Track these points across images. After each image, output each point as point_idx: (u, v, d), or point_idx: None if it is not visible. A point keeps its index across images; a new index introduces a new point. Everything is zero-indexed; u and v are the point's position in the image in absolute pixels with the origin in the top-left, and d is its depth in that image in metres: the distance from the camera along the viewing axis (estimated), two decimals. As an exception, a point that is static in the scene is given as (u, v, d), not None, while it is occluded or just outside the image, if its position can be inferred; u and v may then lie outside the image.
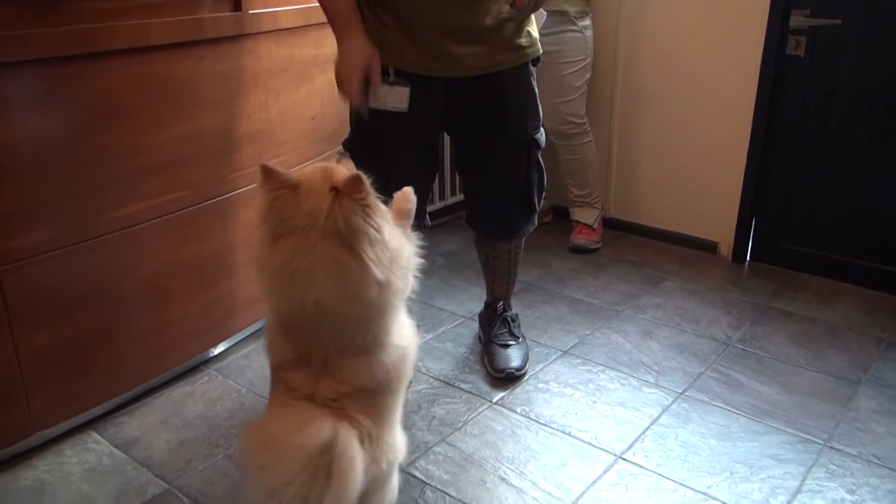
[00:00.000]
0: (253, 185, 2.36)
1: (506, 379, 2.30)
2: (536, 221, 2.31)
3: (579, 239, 3.31)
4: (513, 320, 2.45)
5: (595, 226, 3.35)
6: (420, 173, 2.18)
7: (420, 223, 2.30)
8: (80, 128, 1.86)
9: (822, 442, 2.03)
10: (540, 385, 2.30)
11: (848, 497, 1.83)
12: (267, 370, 2.33)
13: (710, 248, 3.28)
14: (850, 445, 2.02)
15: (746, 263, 3.20)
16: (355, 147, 2.12)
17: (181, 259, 2.20)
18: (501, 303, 2.46)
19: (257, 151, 2.36)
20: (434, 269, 3.08)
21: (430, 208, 3.43)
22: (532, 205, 2.25)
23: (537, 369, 2.38)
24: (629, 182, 3.45)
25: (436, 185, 3.49)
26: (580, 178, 3.33)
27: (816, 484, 1.87)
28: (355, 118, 2.09)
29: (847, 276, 2.97)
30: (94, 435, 2.05)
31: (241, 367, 2.37)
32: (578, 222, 3.37)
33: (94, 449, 1.99)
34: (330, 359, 1.35)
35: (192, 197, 2.18)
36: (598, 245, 3.33)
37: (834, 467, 1.94)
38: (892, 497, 1.83)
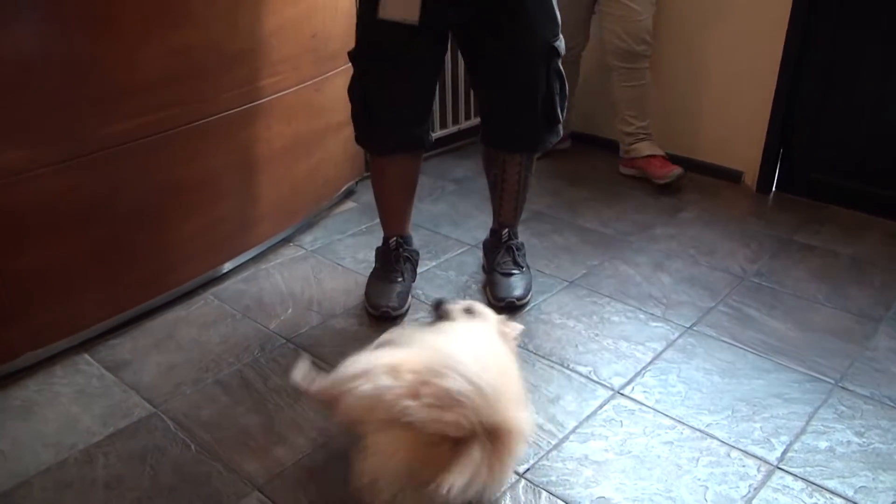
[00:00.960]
0: (250, 105, 2.28)
1: (507, 308, 2.22)
2: (561, 132, 2.20)
3: (673, 170, 3.01)
4: (518, 249, 2.36)
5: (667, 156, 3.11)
6: (424, 88, 2.12)
7: (423, 141, 2.20)
8: (60, 39, 1.78)
9: (833, 381, 1.94)
10: (542, 316, 2.22)
11: (855, 439, 1.75)
12: (265, 295, 2.31)
13: (734, 177, 3.13)
14: (863, 386, 1.93)
15: (771, 194, 3.05)
16: (360, 56, 2.07)
17: (175, 180, 2.14)
18: (507, 230, 2.37)
19: (252, 70, 2.26)
20: (443, 195, 2.99)
21: (442, 133, 3.33)
22: (556, 115, 2.13)
23: (540, 300, 2.30)
24: (653, 108, 3.29)
25: (448, 109, 3.37)
26: (641, 106, 3.08)
27: (822, 425, 1.79)
28: (362, 28, 2.03)
29: (877, 209, 2.82)
30: (87, 357, 2.03)
31: (238, 292, 2.34)
32: (652, 157, 3.08)
33: (85, 371, 1.98)
34: None
35: (184, 116, 2.10)
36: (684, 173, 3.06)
37: (843, 408, 1.85)
38: (903, 440, 1.75)
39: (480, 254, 2.50)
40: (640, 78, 3.03)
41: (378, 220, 2.37)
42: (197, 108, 2.13)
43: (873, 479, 1.64)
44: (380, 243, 2.36)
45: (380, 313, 2.17)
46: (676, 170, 3.02)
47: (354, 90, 2.12)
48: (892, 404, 1.86)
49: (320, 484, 1.62)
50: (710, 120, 3.12)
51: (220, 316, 2.22)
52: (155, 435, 1.75)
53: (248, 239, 2.45)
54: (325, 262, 2.51)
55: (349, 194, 2.98)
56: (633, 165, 3.15)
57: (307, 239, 2.66)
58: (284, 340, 2.10)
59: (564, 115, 2.17)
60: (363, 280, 2.36)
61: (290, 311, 2.24)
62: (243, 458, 1.69)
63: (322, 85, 2.56)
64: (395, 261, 2.30)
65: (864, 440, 1.75)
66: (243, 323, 2.19)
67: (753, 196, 3.03)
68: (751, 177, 3.08)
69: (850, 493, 1.59)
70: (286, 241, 2.64)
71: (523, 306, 2.25)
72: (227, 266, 2.42)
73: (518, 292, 2.25)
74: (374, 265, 2.34)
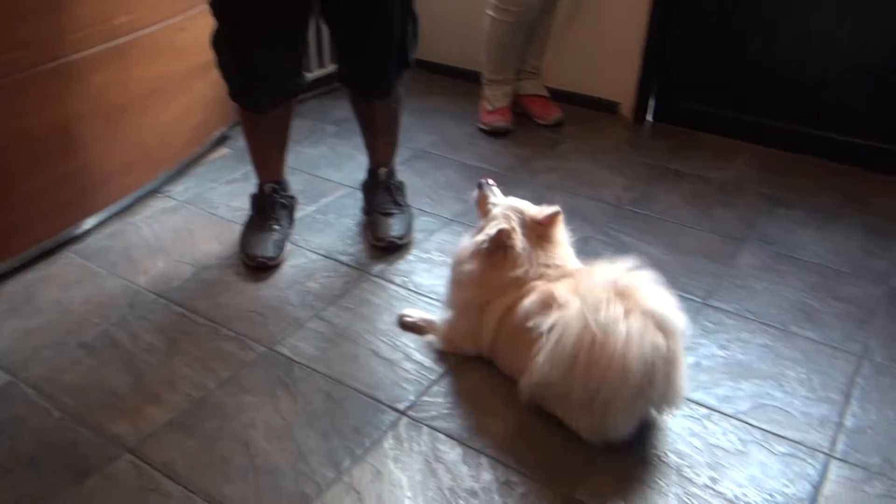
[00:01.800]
0: (104, 46, 2.12)
1: (387, 248, 2.20)
2: (406, 76, 2.19)
3: (555, 114, 3.03)
4: (397, 188, 2.33)
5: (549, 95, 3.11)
6: (300, 30, 2.03)
7: (300, 87, 2.12)
8: None
9: (700, 300, 2.02)
10: (423, 255, 2.21)
11: (719, 353, 1.83)
12: (133, 250, 2.20)
13: (610, 108, 3.17)
14: (727, 302, 2.02)
15: (646, 124, 3.12)
16: (226, 5, 1.93)
17: (20, 130, 1.98)
18: (384, 169, 2.33)
19: (104, 7, 2.10)
20: (323, 137, 2.91)
21: (319, 73, 3.22)
22: (407, 57, 2.12)
23: (421, 239, 2.29)
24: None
25: (325, 48, 3.25)
26: (544, 44, 3.04)
27: (691, 341, 1.86)
28: None
29: (744, 133, 2.93)
30: (-65, 327, 1.89)
31: (103, 249, 2.21)
32: (536, 96, 3.08)
33: (-67, 342, 1.84)
34: None
35: (27, 59, 1.94)
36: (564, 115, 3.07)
37: (709, 324, 1.94)
38: (762, 350, 1.85)
39: (361, 195, 2.45)
40: (555, 13, 2.97)
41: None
42: (42, 50, 1.97)
43: (734, 388, 1.73)
44: (254, 190, 2.27)
45: (255, 263, 2.11)
46: (557, 114, 3.03)
47: (224, 44, 1.99)
48: (752, 318, 1.96)
49: (198, 440, 1.57)
50: (585, 52, 3.13)
51: (84, 275, 2.09)
52: (12, 404, 1.65)
53: (110, 192, 2.31)
54: (198, 213, 2.41)
55: (222, 140, 2.85)
56: (516, 102, 3.15)
57: (178, 189, 2.54)
58: (155, 296, 2.01)
59: (412, 56, 2.15)
60: (239, 229, 2.27)
61: (160, 265, 2.14)
62: (112, 420, 1.62)
63: (186, 24, 2.41)
64: (270, 208, 2.22)
65: (728, 353, 1.84)
66: (110, 281, 2.08)
67: (629, 126, 3.09)
68: (626, 107, 3.14)
69: (714, 403, 1.68)
70: (155, 192, 2.51)
71: (404, 246, 2.23)
72: (90, 222, 2.28)
73: (397, 232, 2.22)
74: (249, 213, 2.26)
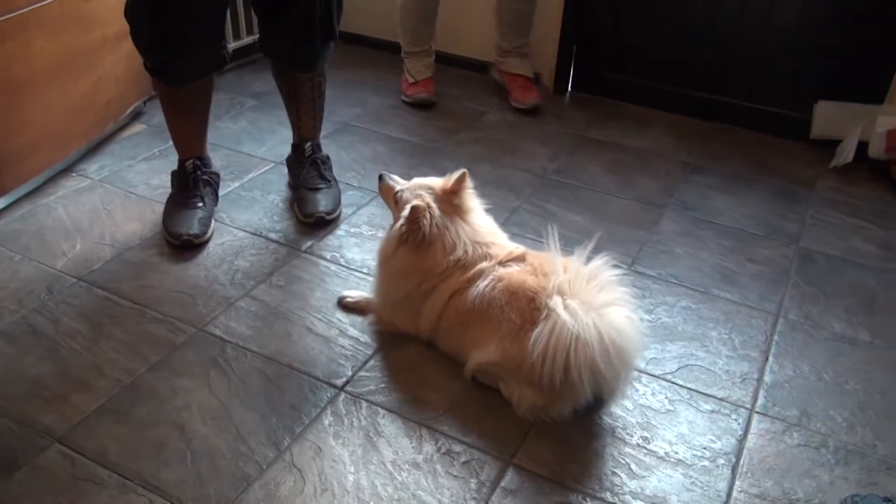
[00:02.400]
0: (2, 17, 1.99)
1: (315, 224, 2.18)
2: (332, 49, 2.15)
3: (530, 98, 2.92)
4: (323, 163, 2.30)
5: (533, 78, 3.03)
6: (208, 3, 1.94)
7: (223, 60, 2.05)
8: None
9: (626, 266, 2.08)
10: (352, 230, 2.20)
11: (646, 317, 1.90)
12: (47, 233, 2.10)
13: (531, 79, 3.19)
14: (652, 268, 2.09)
15: (567, 94, 3.16)
16: None
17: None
18: (309, 143, 2.29)
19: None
20: (242, 111, 2.84)
21: (237, 44, 3.12)
22: (333, 28, 2.08)
23: (349, 213, 2.27)
24: (451, 13, 3.26)
25: (241, 18, 3.16)
26: (523, 23, 2.93)
27: (618, 307, 1.92)
28: None
29: (661, 103, 3.01)
30: None
31: (14, 232, 2.11)
32: (517, 76, 2.97)
33: None
34: None
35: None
36: (542, 101, 2.97)
37: (635, 289, 1.98)
38: (686, 313, 1.92)
39: (286, 170, 2.41)
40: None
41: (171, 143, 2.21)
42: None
43: (661, 350, 1.80)
44: (175, 167, 2.20)
45: (180, 242, 2.05)
46: (533, 99, 2.93)
47: (138, 13, 1.88)
48: (676, 282, 2.03)
49: (131, 426, 1.53)
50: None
51: (-4, 260, 2.00)
52: (-73, 398, 1.57)
53: (18, 172, 2.20)
54: (115, 192, 2.32)
55: (137, 115, 2.74)
56: (501, 77, 3.07)
57: (92, 168, 2.44)
58: (75, 280, 1.94)
59: (338, 26, 2.11)
60: (160, 208, 2.20)
61: (78, 247, 2.06)
62: (38, 410, 1.55)
63: (92, -7, 2.29)
64: (193, 185, 2.16)
65: (654, 316, 1.90)
66: (24, 265, 1.98)
67: (551, 96, 3.13)
68: (548, 78, 3.17)
69: (642, 366, 1.74)
70: (67, 171, 2.39)
71: (333, 220, 2.21)
72: (5, 200, 2.17)
73: (326, 207, 2.20)
74: (170, 191, 2.19)
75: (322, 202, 2.20)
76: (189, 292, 1.91)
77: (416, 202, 1.64)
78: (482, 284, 1.61)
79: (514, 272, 1.62)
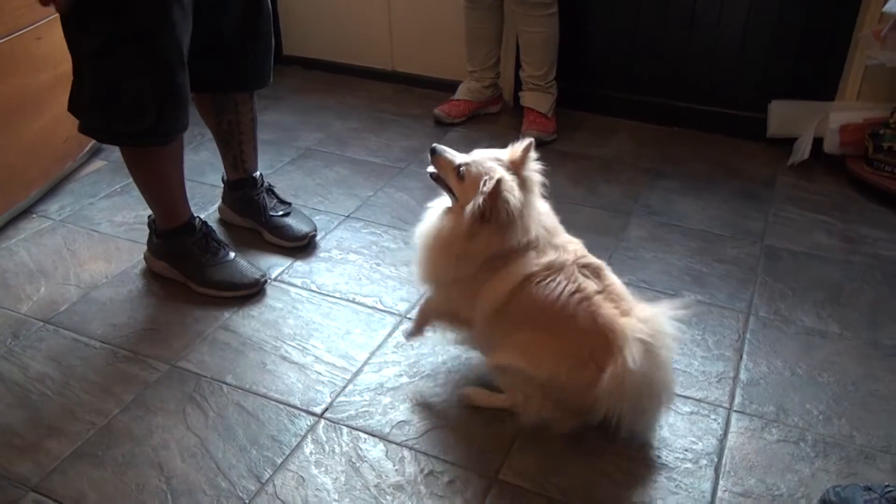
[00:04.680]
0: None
1: (308, 244, 2.20)
2: None
3: (532, 130, 2.81)
4: (273, 187, 2.29)
5: (549, 114, 2.90)
6: (187, 33, 1.79)
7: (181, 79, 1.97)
8: None
9: (596, 274, 2.10)
10: (321, 254, 2.19)
11: (620, 323, 1.91)
12: (10, 277, 2.05)
13: (492, 94, 3.22)
14: (622, 274, 2.05)
15: (528, 107, 3.19)
16: (145, 31, 1.68)
17: None
18: (259, 173, 2.25)
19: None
20: (203, 142, 2.81)
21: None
22: (274, 40, 2.08)
23: (319, 237, 2.26)
24: (410, 32, 3.29)
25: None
26: (538, 55, 2.84)
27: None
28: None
29: (621, 111, 3.05)
30: None
31: (-24, 278, 2.06)
32: (531, 110, 2.90)
33: None
34: None
35: None
36: (554, 136, 2.87)
37: (607, 297, 2.01)
38: (659, 317, 1.94)
39: (225, 213, 2.34)
40: (539, 25, 2.78)
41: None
42: None
43: (638, 356, 1.81)
44: (165, 226, 2.01)
45: (260, 286, 2.00)
46: (535, 132, 2.78)
47: (134, 64, 1.68)
48: (646, 286, 2.05)
49: (108, 469, 1.50)
50: (463, 40, 3.17)
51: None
52: None
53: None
54: (79, 231, 2.28)
55: (96, 152, 2.71)
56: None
57: (53, 207, 2.40)
58: (42, 323, 1.90)
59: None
60: (126, 245, 2.18)
61: (43, 289, 2.02)
62: (10, 459, 1.52)
63: (42, 32, 2.26)
64: (214, 239, 2.05)
65: (628, 323, 1.92)
66: (-16, 309, 1.94)
67: (512, 111, 3.15)
68: (508, 92, 3.19)
69: (620, 373, 1.75)
70: (27, 212, 2.35)
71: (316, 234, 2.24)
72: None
73: (307, 227, 2.21)
74: (186, 263, 2.02)
75: (297, 225, 2.21)
76: (160, 328, 1.88)
77: (501, 174, 1.46)
78: (563, 287, 1.48)
79: (597, 297, 1.49)
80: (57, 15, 1.98)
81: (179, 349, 1.81)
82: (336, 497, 1.44)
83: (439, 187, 1.63)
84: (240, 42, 1.98)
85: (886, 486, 1.36)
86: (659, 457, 1.53)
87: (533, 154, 1.56)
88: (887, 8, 2.39)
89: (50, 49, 2.28)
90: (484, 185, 1.45)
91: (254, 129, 2.18)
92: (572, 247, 1.59)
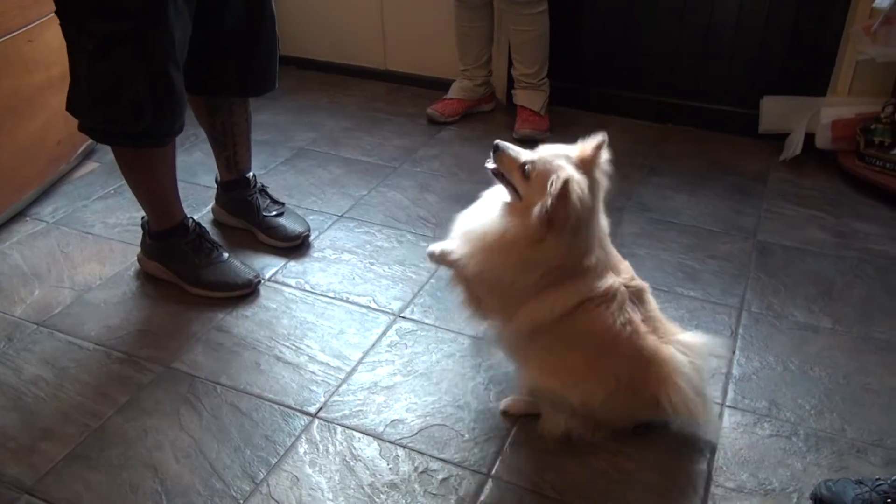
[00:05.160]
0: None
1: (303, 244, 2.21)
2: None
3: (525, 129, 2.83)
4: (266, 186, 2.29)
5: (542, 112, 2.91)
6: (184, 33, 1.78)
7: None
8: None
9: (590, 271, 2.10)
10: (315, 254, 2.19)
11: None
12: (3, 280, 2.05)
13: (485, 92, 3.23)
14: (615, 271, 2.11)
15: (521, 105, 3.19)
16: (141, 29, 1.67)
17: None
18: (252, 174, 2.26)
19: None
20: (196, 143, 2.81)
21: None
22: (278, 49, 2.08)
23: (312, 237, 2.26)
24: (403, 32, 3.29)
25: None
26: (530, 53, 2.84)
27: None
28: None
29: (615, 108, 3.06)
30: None
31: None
32: (524, 108, 2.90)
33: None
34: None
35: None
36: (547, 134, 2.84)
37: (601, 294, 2.02)
38: (652, 313, 1.94)
39: (219, 214, 2.34)
40: (529, 23, 2.78)
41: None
42: None
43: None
44: (158, 227, 2.01)
45: (253, 287, 2.00)
46: (526, 131, 2.83)
47: (130, 64, 1.67)
48: (640, 283, 2.05)
49: (102, 471, 1.50)
50: (451, 37, 3.17)
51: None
52: None
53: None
54: (72, 233, 2.28)
55: (90, 154, 2.71)
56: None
57: (47, 210, 2.39)
58: (35, 325, 1.90)
59: None
60: (119, 247, 2.18)
61: (37, 292, 2.02)
62: (5, 462, 1.52)
63: (33, 34, 2.26)
64: (208, 240, 2.04)
65: (621, 319, 1.92)
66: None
67: (505, 109, 3.16)
68: (501, 91, 3.20)
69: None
70: (21, 215, 2.35)
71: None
72: None
73: (301, 227, 2.22)
74: (178, 262, 2.01)
75: (292, 224, 2.22)
76: (154, 330, 1.89)
77: (569, 172, 1.35)
78: (615, 317, 1.44)
79: (644, 330, 1.47)
80: (50, 17, 1.96)
81: (174, 350, 1.81)
82: (330, 496, 1.45)
83: (499, 183, 1.51)
84: (242, 47, 1.97)
85: (877, 480, 1.37)
86: (653, 453, 1.54)
87: (605, 153, 1.47)
88: (877, 3, 2.40)
89: (42, 51, 2.28)
90: (551, 185, 1.33)
91: (248, 129, 2.18)
92: (623, 266, 1.54)
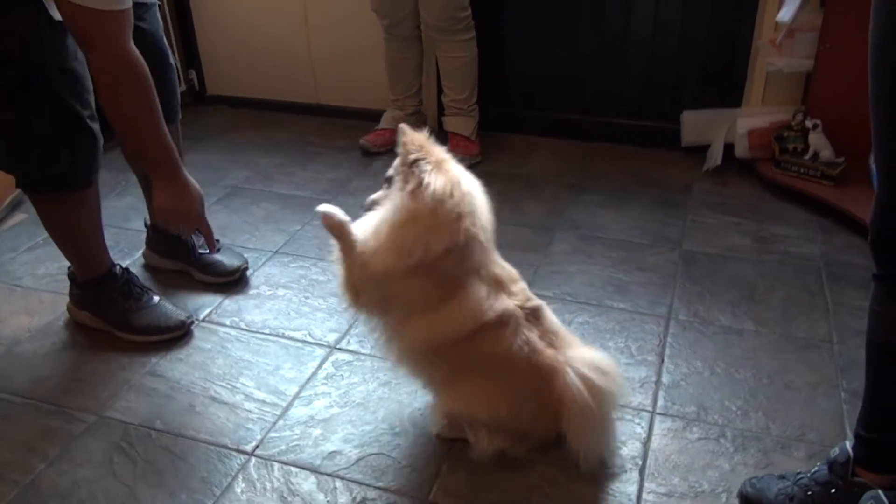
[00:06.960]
0: None
1: (241, 277, 2.22)
2: None
3: (457, 154, 2.88)
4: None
5: (473, 137, 2.95)
6: None
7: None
8: None
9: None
10: (250, 291, 2.19)
11: (546, 337, 1.95)
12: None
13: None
14: (547, 289, 2.15)
15: (453, 131, 3.24)
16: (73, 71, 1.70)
17: None
18: None
19: None
20: (127, 187, 2.79)
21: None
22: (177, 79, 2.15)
23: (247, 275, 2.26)
24: (333, 65, 3.32)
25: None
26: (460, 79, 2.89)
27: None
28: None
29: (543, 130, 3.13)
30: None
31: None
32: (455, 134, 2.93)
33: None
34: None
35: None
36: (478, 159, 2.90)
37: (533, 312, 2.06)
38: (584, 328, 1.99)
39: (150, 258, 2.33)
40: (456, 50, 2.84)
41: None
42: None
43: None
44: (85, 277, 1.98)
45: (186, 328, 1.99)
46: (471, 158, 2.86)
47: (43, 103, 1.68)
48: (571, 299, 2.10)
49: (31, 527, 1.47)
50: (382, 68, 3.22)
51: None
52: None
53: None
54: (-1, 287, 2.24)
55: (17, 206, 2.66)
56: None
57: (-28, 265, 2.35)
58: (-39, 384, 1.86)
59: None
60: (49, 297, 2.15)
61: (-38, 349, 1.98)
62: (-71, 526, 1.48)
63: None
64: (137, 285, 2.02)
65: (553, 336, 1.96)
66: None
67: (437, 135, 3.19)
68: (432, 118, 3.24)
69: (547, 386, 1.78)
70: (-55, 272, 2.31)
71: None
72: None
73: (238, 259, 2.23)
74: (107, 311, 1.99)
75: (227, 260, 2.22)
76: (86, 379, 1.86)
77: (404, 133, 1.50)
78: (511, 342, 1.48)
79: (541, 346, 1.51)
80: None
81: (105, 399, 1.79)
82: (269, 534, 1.44)
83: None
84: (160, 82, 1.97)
85: (798, 474, 1.42)
86: (587, 465, 1.56)
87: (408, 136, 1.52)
88: (780, 17, 2.52)
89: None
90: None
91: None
92: (517, 287, 1.56)
